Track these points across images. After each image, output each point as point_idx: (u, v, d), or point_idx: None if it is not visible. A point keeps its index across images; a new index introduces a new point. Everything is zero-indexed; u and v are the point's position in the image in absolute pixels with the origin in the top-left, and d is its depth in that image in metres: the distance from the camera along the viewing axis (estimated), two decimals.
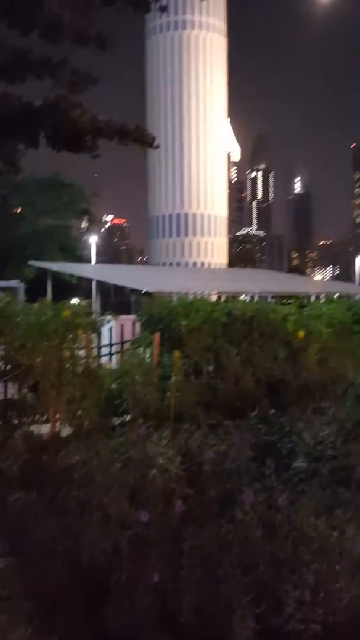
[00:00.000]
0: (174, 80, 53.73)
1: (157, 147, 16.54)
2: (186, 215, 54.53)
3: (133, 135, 14.79)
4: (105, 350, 12.45)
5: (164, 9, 14.63)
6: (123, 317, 13.58)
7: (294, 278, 38.78)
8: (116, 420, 6.89)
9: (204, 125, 54.50)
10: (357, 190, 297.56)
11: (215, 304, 8.98)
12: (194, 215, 54.56)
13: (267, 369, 8.22)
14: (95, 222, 53.41)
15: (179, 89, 53.66)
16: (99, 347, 11.46)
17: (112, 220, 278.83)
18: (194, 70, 53.74)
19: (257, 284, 24.57)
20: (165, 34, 53.71)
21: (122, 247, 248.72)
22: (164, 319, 7.75)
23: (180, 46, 53.26)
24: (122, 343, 11.82)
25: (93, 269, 30.98)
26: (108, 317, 11.75)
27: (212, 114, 54.77)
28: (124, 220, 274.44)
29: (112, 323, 13.75)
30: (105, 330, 13.10)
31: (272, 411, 6.85)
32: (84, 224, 50.98)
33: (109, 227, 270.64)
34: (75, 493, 4.61)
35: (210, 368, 7.93)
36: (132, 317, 12.28)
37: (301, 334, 8.77)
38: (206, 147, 54.58)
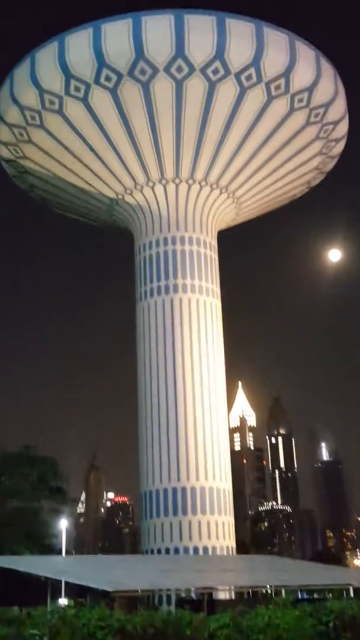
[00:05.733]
0: (166, 341, 50.17)
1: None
2: (184, 489, 45.78)
3: None
4: None
5: None
6: None
7: (307, 567, 29.41)
8: None
9: (201, 387, 49.19)
10: None
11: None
12: (192, 488, 45.72)
13: None
14: (69, 503, 45.06)
15: (172, 350, 49.76)
16: None
17: (114, 498, 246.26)
18: (188, 332, 50.42)
19: (249, 577, 16.45)
20: (156, 297, 51.76)
21: (125, 530, 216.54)
22: None
23: (172, 309, 50.87)
24: None
25: (46, 564, 22.98)
26: None
27: (209, 374, 49.89)
28: (126, 498, 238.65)
29: None
30: None
31: None
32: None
33: (110, 507, 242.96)
34: None
35: None
36: None
37: None
38: (204, 409, 48.47)
